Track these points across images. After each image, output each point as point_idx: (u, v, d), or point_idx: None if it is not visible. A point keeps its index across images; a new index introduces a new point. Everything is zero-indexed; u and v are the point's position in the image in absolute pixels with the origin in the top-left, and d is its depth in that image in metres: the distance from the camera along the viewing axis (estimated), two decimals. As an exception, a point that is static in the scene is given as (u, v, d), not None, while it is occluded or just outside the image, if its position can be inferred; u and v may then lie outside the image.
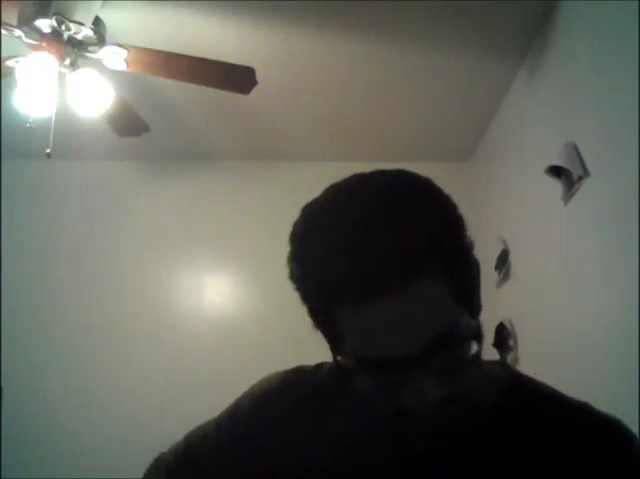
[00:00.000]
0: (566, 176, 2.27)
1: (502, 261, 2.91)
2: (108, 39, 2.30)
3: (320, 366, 0.86)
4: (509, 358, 2.72)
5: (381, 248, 0.60)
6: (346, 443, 0.78)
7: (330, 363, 0.86)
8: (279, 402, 0.84)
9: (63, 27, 2.15)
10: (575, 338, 2.22)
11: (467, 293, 0.67)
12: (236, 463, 0.85)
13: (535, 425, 0.74)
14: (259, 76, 2.40)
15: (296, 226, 0.69)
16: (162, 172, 3.61)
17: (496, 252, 2.94)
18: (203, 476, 0.88)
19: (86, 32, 2.20)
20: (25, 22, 2.16)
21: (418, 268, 0.61)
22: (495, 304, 2.85)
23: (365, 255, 0.60)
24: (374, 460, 0.76)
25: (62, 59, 2.24)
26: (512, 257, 2.88)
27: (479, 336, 0.66)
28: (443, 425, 0.69)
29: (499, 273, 2.93)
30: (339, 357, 0.68)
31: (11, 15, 2.12)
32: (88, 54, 2.30)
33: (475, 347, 0.66)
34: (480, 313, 0.71)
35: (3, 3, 2.05)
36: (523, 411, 0.75)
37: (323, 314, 0.66)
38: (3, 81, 2.46)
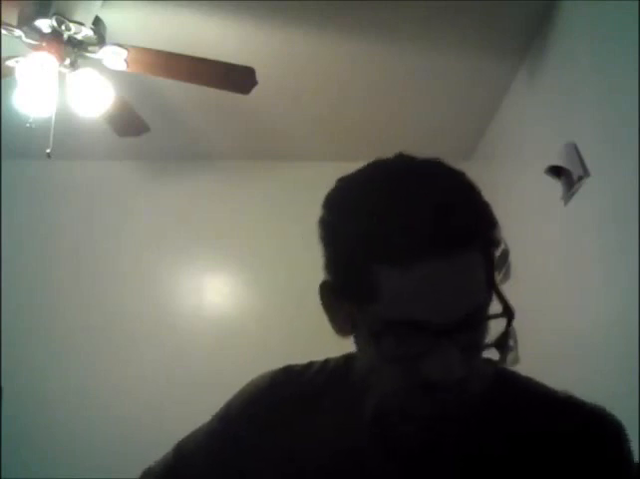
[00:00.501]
0: (566, 176, 2.27)
1: (502, 261, 2.91)
2: (108, 39, 2.30)
3: (309, 365, 0.86)
4: (509, 358, 2.72)
5: (437, 214, 0.61)
6: (336, 441, 0.78)
7: (319, 362, 0.86)
8: (269, 402, 0.84)
9: (63, 27, 2.15)
10: (575, 338, 2.22)
11: (492, 277, 0.69)
12: (228, 465, 0.84)
13: (522, 416, 0.74)
14: (259, 76, 2.40)
15: (334, 190, 0.70)
16: (162, 172, 3.61)
17: (496, 252, 2.94)
18: None
19: (86, 32, 2.20)
20: (25, 22, 2.16)
21: (468, 241, 0.62)
22: (496, 304, 2.85)
23: (421, 218, 0.61)
24: (365, 458, 0.76)
25: (62, 59, 2.24)
26: (512, 257, 2.88)
27: (508, 314, 0.68)
28: (435, 413, 0.68)
29: (499, 273, 2.93)
30: (365, 324, 0.67)
31: (11, 15, 2.12)
32: (88, 54, 2.30)
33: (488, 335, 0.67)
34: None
35: (3, 3, 2.05)
36: (509, 403, 0.75)
37: (358, 274, 0.65)
38: (3, 81, 2.46)
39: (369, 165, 0.71)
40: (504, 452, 0.72)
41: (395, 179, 0.66)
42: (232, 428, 0.85)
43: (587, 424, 0.72)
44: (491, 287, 0.69)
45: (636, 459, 0.75)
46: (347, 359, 0.83)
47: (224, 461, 0.85)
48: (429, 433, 0.72)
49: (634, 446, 0.74)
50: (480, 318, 0.65)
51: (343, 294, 0.69)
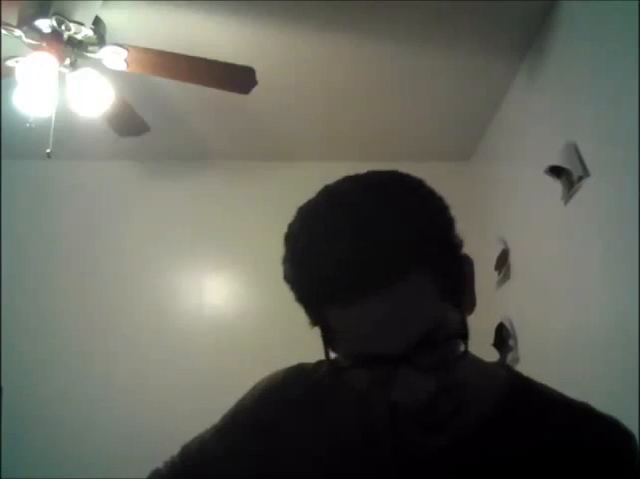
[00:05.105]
0: (566, 176, 2.27)
1: (502, 261, 2.91)
2: (108, 39, 2.30)
3: (321, 363, 0.87)
4: (509, 358, 2.72)
5: (368, 249, 0.61)
6: (346, 442, 0.78)
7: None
8: (281, 402, 0.84)
9: (63, 27, 2.15)
10: (575, 338, 2.22)
11: (456, 291, 0.67)
12: (239, 466, 0.84)
13: (536, 425, 0.74)
14: (259, 76, 2.40)
15: (290, 227, 0.71)
16: (162, 172, 3.61)
17: (496, 252, 2.94)
18: None
19: (86, 32, 2.20)
20: (25, 22, 2.16)
21: (404, 269, 0.62)
22: (495, 304, 2.85)
23: (353, 256, 0.61)
24: (374, 458, 0.76)
25: (62, 59, 2.24)
26: (512, 257, 2.88)
27: (464, 332, 0.67)
28: (441, 421, 0.70)
29: (499, 273, 2.93)
30: (333, 355, 0.69)
31: (11, 15, 2.12)
32: (88, 54, 2.30)
33: (463, 344, 0.67)
34: (476, 311, 0.72)
35: (3, 3, 2.05)
36: (524, 411, 0.75)
37: (315, 314, 0.68)
38: (3, 81, 2.46)
39: (316, 198, 0.71)
40: (510, 457, 0.72)
41: (332, 214, 0.66)
42: (242, 428, 0.86)
43: (603, 434, 0.73)
44: (456, 296, 0.67)
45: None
46: None
47: (231, 463, 0.85)
48: (426, 438, 0.72)
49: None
50: (444, 333, 0.65)
51: (314, 325, 0.71)
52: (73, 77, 2.33)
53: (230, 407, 0.90)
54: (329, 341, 0.68)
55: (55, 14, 2.11)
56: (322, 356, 0.87)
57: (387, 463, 0.76)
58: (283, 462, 0.81)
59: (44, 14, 2.12)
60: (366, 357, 0.65)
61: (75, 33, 2.19)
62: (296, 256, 0.67)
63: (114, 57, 2.30)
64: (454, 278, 0.67)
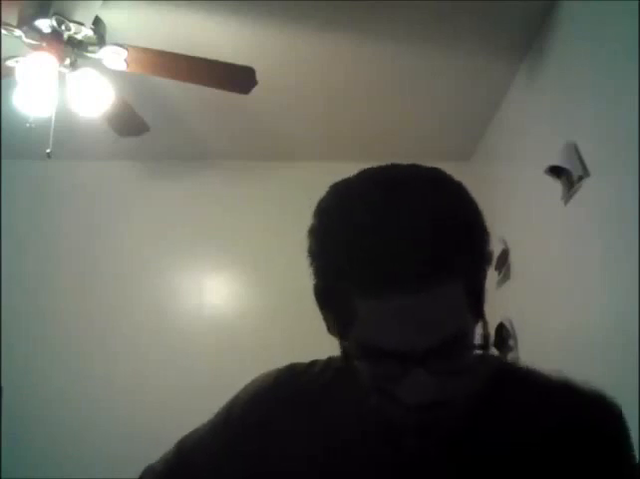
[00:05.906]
0: (566, 176, 2.27)
1: (502, 261, 2.91)
2: (108, 39, 2.30)
3: (313, 364, 0.87)
4: (509, 358, 2.72)
5: (411, 245, 0.60)
6: (341, 438, 0.78)
7: (323, 361, 0.86)
8: (273, 402, 0.84)
9: (63, 27, 2.15)
10: (575, 338, 2.22)
11: (479, 302, 0.68)
12: (230, 464, 0.84)
13: (519, 413, 0.74)
14: (259, 76, 2.40)
15: (323, 201, 0.68)
16: (162, 172, 3.61)
17: (496, 252, 2.94)
18: None
19: (86, 32, 2.20)
20: (25, 22, 2.16)
21: (443, 272, 0.61)
22: (495, 304, 2.85)
23: (393, 249, 0.60)
24: (367, 458, 0.76)
25: (62, 59, 2.24)
26: (512, 257, 2.88)
27: (485, 345, 0.67)
28: (440, 424, 0.70)
29: (499, 273, 2.93)
30: (343, 341, 0.68)
31: (11, 15, 2.12)
32: (88, 54, 2.30)
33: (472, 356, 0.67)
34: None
35: (3, 3, 2.05)
36: (506, 400, 0.75)
37: (335, 296, 0.66)
38: (3, 81, 2.46)
39: (358, 177, 0.69)
40: (504, 447, 0.72)
41: (376, 197, 0.64)
42: (234, 428, 0.85)
43: (586, 409, 0.74)
44: (478, 307, 0.67)
45: (636, 459, 0.75)
46: None
47: (226, 461, 0.85)
48: (417, 437, 0.72)
49: (634, 445, 0.74)
50: (456, 346, 0.64)
51: (327, 309, 0.70)
52: (73, 77, 2.33)
53: (224, 404, 0.90)
54: (342, 326, 0.67)
55: (55, 14, 2.11)
56: (321, 355, 0.87)
57: (384, 462, 0.76)
58: (277, 462, 0.81)
59: (44, 14, 2.12)
60: (380, 351, 0.64)
61: (75, 33, 2.19)
62: (330, 232, 0.65)
63: (114, 57, 2.30)
64: (479, 290, 0.67)
